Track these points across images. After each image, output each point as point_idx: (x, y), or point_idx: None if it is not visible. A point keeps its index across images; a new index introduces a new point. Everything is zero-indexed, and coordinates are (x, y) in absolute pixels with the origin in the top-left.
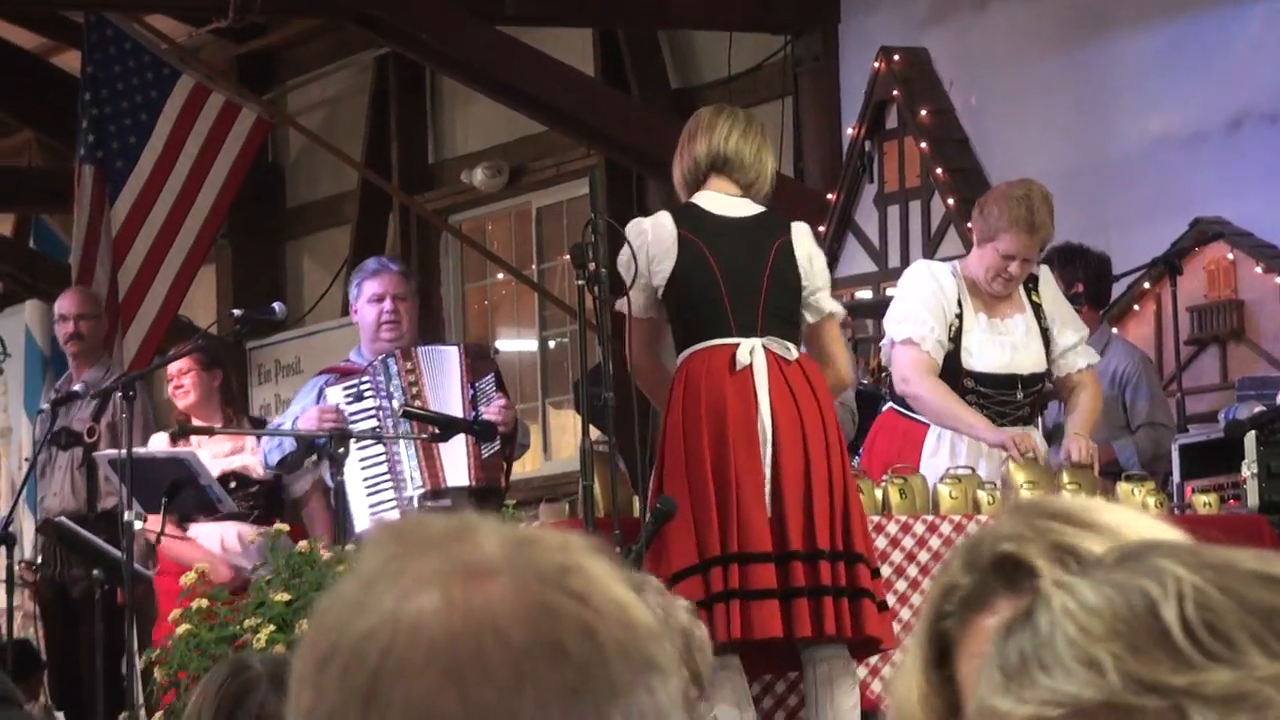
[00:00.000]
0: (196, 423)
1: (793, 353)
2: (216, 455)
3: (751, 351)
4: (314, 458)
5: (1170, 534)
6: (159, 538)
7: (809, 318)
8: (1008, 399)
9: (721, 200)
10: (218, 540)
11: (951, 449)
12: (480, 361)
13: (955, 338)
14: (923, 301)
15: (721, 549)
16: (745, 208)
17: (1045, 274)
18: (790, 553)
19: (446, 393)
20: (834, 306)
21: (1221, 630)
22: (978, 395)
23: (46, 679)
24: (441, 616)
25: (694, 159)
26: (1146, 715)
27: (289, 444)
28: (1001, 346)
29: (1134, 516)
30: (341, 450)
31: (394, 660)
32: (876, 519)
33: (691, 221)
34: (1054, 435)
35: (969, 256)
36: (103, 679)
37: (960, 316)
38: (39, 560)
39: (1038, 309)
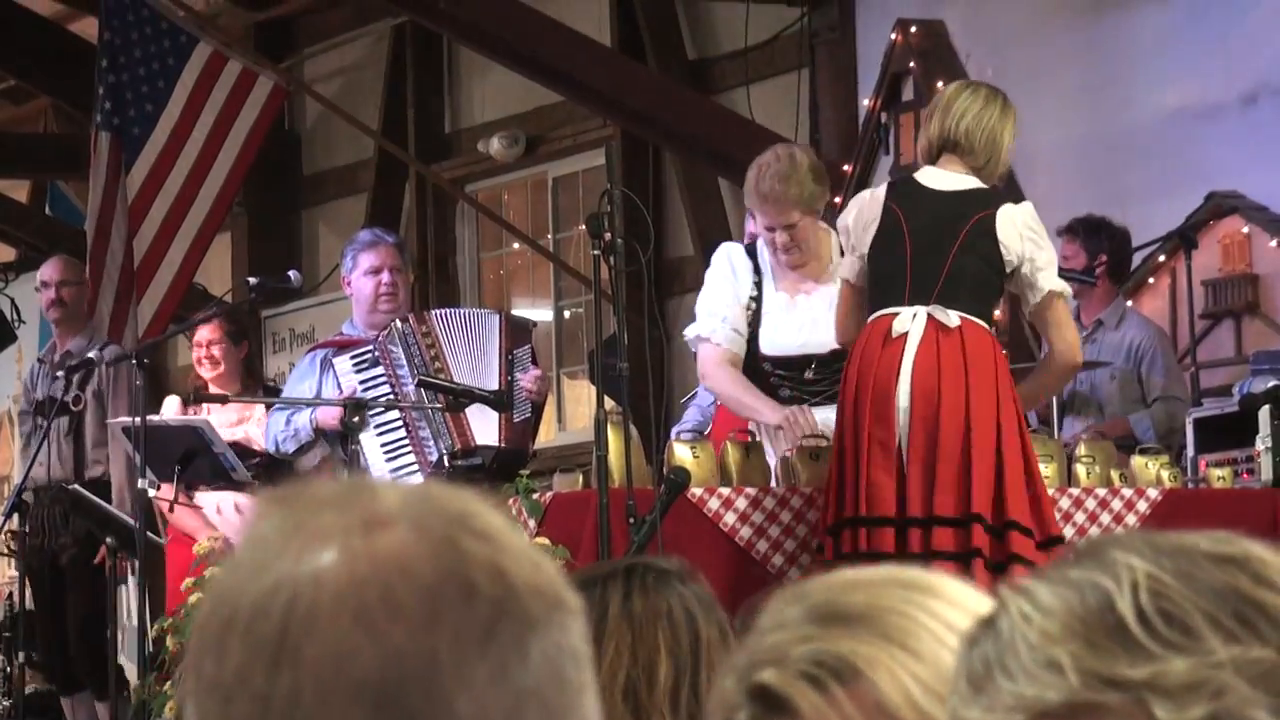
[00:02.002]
0: (215, 391)
1: (953, 320)
2: (220, 425)
3: (913, 318)
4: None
5: (944, 594)
6: (172, 506)
7: (1031, 298)
8: (809, 379)
9: (940, 176)
10: (214, 508)
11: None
12: (519, 331)
13: (754, 320)
14: (712, 292)
15: (853, 512)
16: (959, 183)
17: None
18: (908, 519)
19: (474, 358)
20: (1056, 285)
21: (1178, 618)
22: (779, 378)
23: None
24: (345, 565)
25: (928, 137)
26: (1111, 712)
27: (305, 435)
28: (796, 326)
29: (896, 588)
30: (357, 420)
31: (300, 611)
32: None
33: (901, 193)
34: (1070, 405)
35: None
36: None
37: (758, 298)
38: (26, 528)
39: None
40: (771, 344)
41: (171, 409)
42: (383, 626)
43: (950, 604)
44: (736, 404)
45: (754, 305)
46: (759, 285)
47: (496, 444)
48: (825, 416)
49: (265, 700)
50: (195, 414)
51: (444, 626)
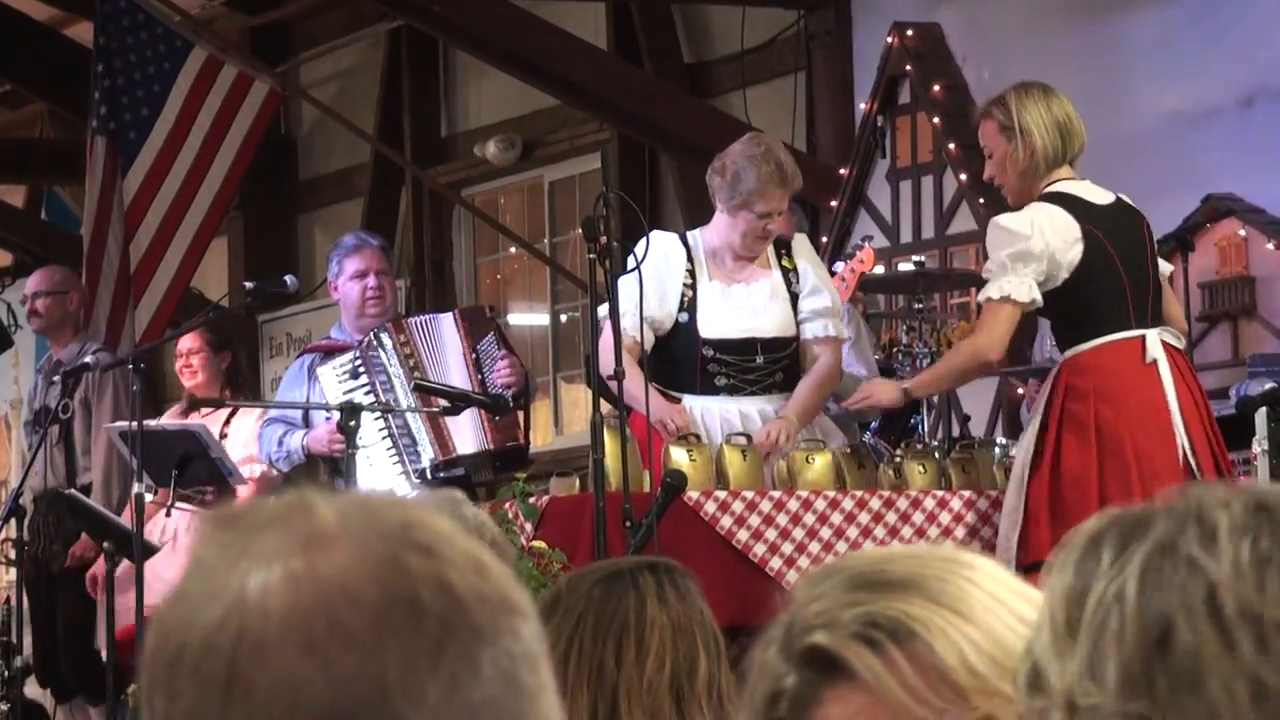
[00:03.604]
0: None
1: (1181, 342)
2: (216, 429)
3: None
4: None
5: (979, 570)
6: (169, 510)
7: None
8: (749, 365)
9: (1094, 190)
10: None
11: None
12: (477, 324)
13: (689, 307)
14: (637, 276)
15: None
16: (1107, 195)
17: (801, 240)
18: None
19: (446, 362)
20: (1168, 267)
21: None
22: (719, 363)
23: (30, 654)
24: (289, 591)
25: (1050, 144)
26: None
27: (297, 457)
28: (738, 311)
29: (938, 560)
30: (354, 423)
31: (248, 644)
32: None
33: (1082, 211)
34: None
35: (710, 225)
36: (109, 654)
37: (693, 286)
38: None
39: (786, 273)
40: (711, 328)
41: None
42: (332, 655)
43: (990, 578)
44: (629, 396)
45: (689, 293)
46: (692, 274)
47: (482, 448)
48: (761, 408)
49: None
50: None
51: (392, 649)
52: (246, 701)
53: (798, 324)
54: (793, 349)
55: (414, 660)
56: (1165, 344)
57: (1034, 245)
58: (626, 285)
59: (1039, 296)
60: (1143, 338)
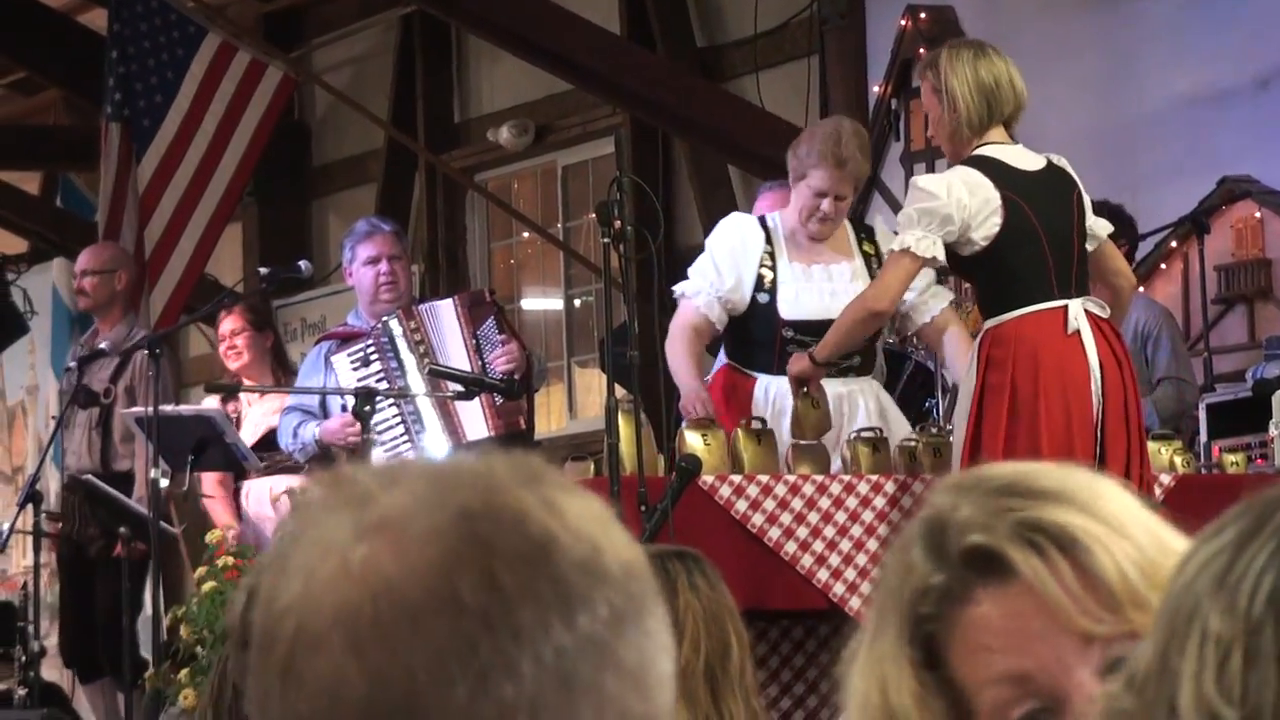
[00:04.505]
0: (247, 384)
1: (1106, 310)
2: (266, 413)
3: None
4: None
5: (1114, 489)
6: (185, 496)
7: (1089, 246)
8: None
9: (1020, 154)
10: (268, 493)
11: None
12: (477, 309)
13: (770, 289)
14: (710, 258)
15: None
16: (1038, 160)
17: (881, 228)
18: None
19: (447, 348)
20: (1107, 226)
21: None
22: (798, 344)
23: (59, 636)
24: (340, 586)
25: (974, 111)
26: None
27: (312, 449)
28: (818, 293)
29: (1082, 476)
30: (369, 409)
31: (304, 636)
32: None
33: (1002, 177)
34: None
35: (787, 208)
36: (127, 637)
37: (773, 267)
38: (43, 519)
39: (868, 258)
40: (793, 309)
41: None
42: (371, 652)
43: (1128, 497)
44: (672, 369)
45: (770, 274)
46: (771, 255)
47: (487, 434)
48: (836, 389)
49: None
50: (233, 408)
51: (425, 648)
52: (299, 690)
53: (901, 311)
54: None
55: (444, 659)
56: (1090, 314)
57: (943, 205)
58: (702, 265)
59: (941, 254)
60: (1065, 308)
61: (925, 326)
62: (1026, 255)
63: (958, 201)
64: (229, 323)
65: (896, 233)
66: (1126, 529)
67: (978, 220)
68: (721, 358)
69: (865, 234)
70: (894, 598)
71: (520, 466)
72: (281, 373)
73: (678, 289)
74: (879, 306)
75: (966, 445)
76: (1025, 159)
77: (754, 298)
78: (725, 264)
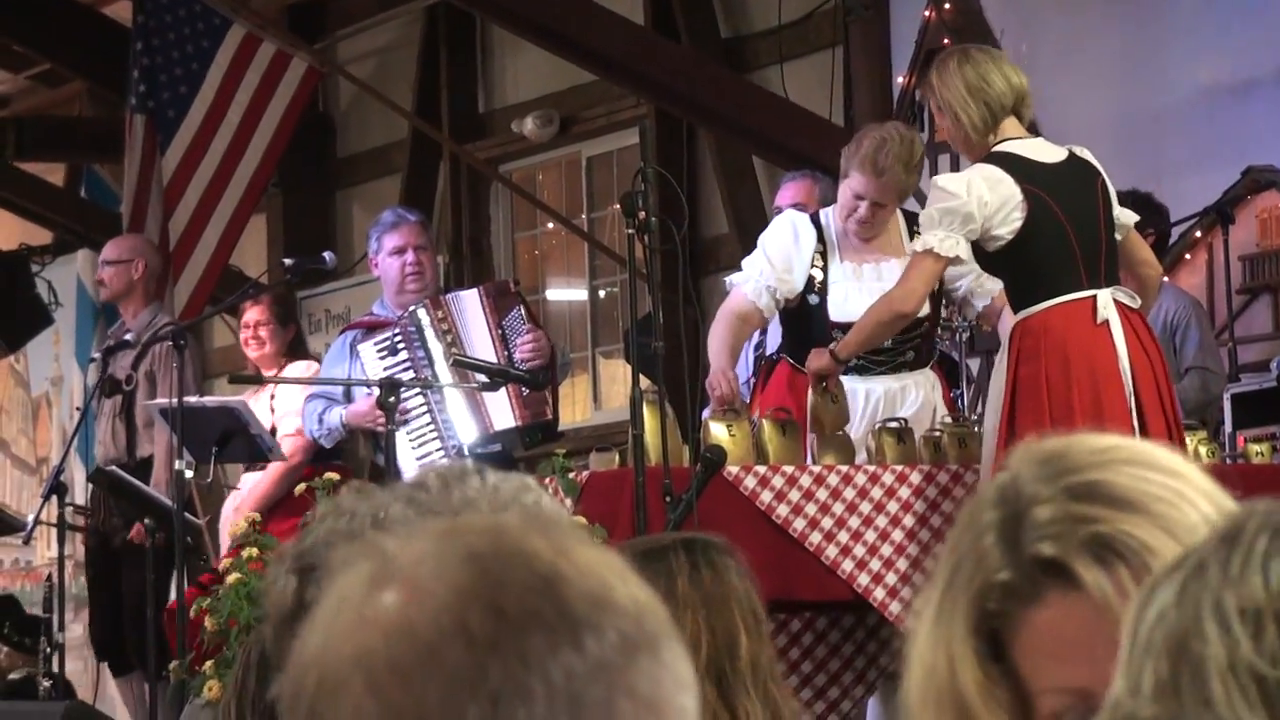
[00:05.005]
0: (266, 374)
1: (1136, 301)
2: (258, 409)
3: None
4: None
5: (1219, 498)
6: (209, 487)
7: (1118, 236)
8: (881, 345)
9: (1042, 147)
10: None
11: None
12: (502, 299)
13: (821, 291)
14: (764, 252)
15: None
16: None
17: None
18: None
19: (472, 338)
20: (1132, 216)
21: None
22: None
23: (88, 627)
24: (357, 634)
25: (990, 106)
26: None
27: (338, 433)
28: (868, 292)
29: (1163, 475)
30: (393, 399)
31: (325, 688)
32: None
33: (1025, 172)
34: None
35: (810, 196)
36: (152, 628)
37: (824, 268)
38: (69, 510)
39: None
40: (842, 311)
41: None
42: (388, 689)
43: (1202, 494)
44: (709, 345)
45: (820, 275)
46: (823, 255)
47: (514, 423)
48: (888, 386)
49: None
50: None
51: (436, 678)
52: None
53: (957, 299)
54: (924, 329)
55: (455, 687)
56: (1119, 303)
57: (964, 204)
58: (754, 257)
59: (964, 253)
60: (1094, 298)
61: (986, 308)
62: (1052, 247)
63: (978, 199)
64: (254, 313)
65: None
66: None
67: (1000, 216)
68: (771, 346)
69: (918, 228)
70: (965, 581)
71: (534, 519)
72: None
73: (729, 279)
74: (904, 308)
75: (1001, 439)
76: (1046, 151)
77: (805, 299)
78: (777, 257)
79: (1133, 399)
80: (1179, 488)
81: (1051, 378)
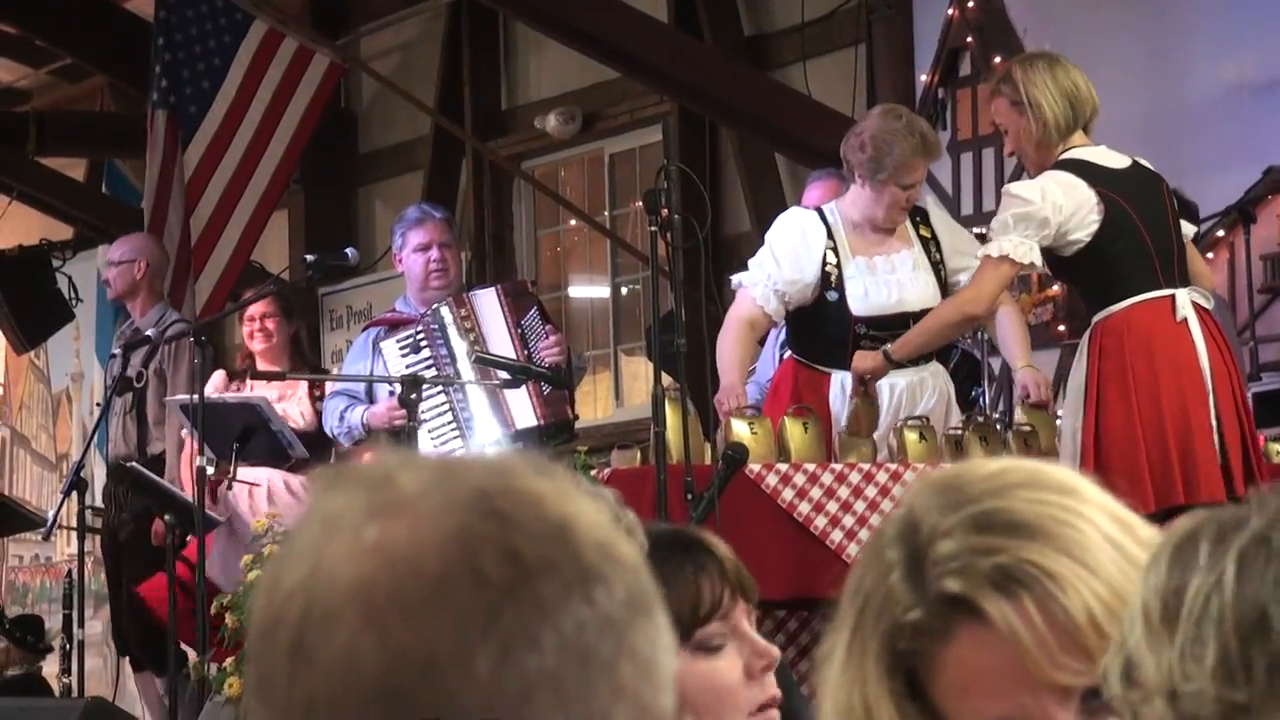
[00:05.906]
0: (263, 367)
1: (1210, 301)
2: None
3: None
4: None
5: (1116, 510)
6: (230, 484)
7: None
8: (900, 337)
9: (1108, 154)
10: (262, 488)
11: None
12: (520, 299)
13: (838, 286)
14: (770, 252)
15: (1184, 499)
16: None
17: (932, 205)
18: (1236, 499)
19: (491, 336)
20: (1191, 228)
21: None
22: (872, 339)
23: (111, 624)
24: (355, 562)
25: (1058, 115)
26: None
27: (358, 432)
28: (886, 285)
29: (1058, 496)
30: (415, 396)
31: (315, 614)
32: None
33: (1099, 178)
34: None
35: (847, 199)
36: (171, 625)
37: (837, 264)
38: (92, 509)
39: (926, 243)
40: (864, 304)
41: (214, 384)
42: (389, 626)
43: (1102, 512)
44: (718, 356)
45: (835, 271)
46: (834, 250)
47: (535, 423)
48: (910, 378)
49: (286, 708)
50: (240, 389)
51: (445, 619)
52: (310, 670)
53: (951, 289)
54: None
55: (466, 631)
56: (1195, 304)
57: (1039, 210)
58: (761, 257)
59: (1039, 259)
60: (1172, 297)
61: None
62: (1129, 247)
63: (1054, 204)
64: (260, 305)
65: (985, 234)
66: (1098, 565)
67: (1076, 220)
68: (773, 349)
69: (921, 217)
70: (873, 621)
71: (534, 461)
72: (299, 363)
73: (735, 279)
74: (976, 310)
75: (1090, 436)
76: (1112, 158)
77: (823, 295)
78: (785, 257)
79: (1212, 399)
80: (1076, 506)
81: (1137, 373)
